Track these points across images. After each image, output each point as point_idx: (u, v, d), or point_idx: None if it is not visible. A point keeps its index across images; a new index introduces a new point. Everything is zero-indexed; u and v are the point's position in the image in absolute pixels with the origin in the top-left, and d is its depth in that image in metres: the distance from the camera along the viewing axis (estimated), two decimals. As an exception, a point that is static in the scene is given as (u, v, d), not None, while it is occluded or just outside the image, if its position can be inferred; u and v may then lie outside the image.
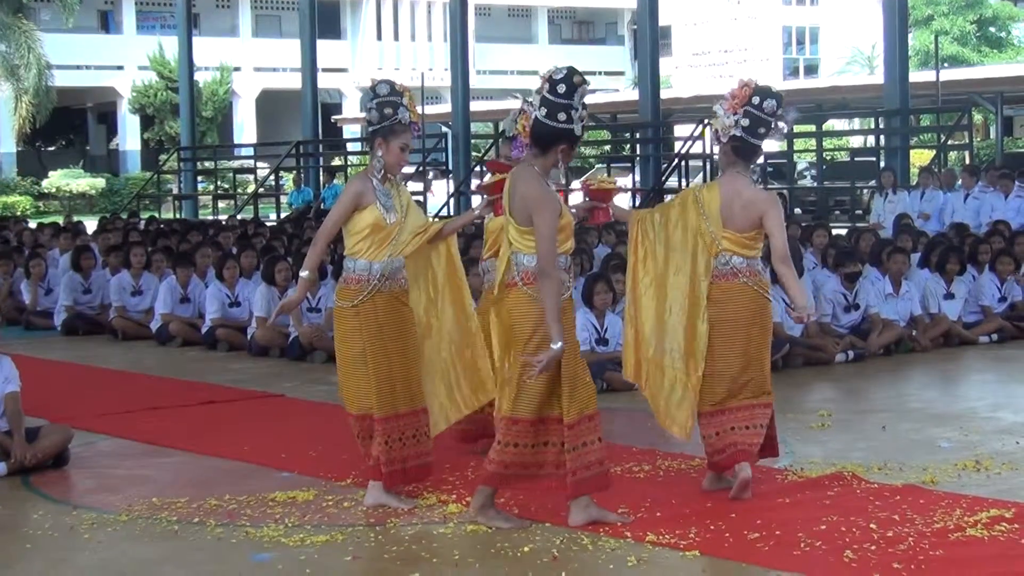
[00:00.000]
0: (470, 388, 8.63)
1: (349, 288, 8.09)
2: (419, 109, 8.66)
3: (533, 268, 7.39)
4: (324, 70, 46.74)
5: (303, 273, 8.22)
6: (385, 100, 8.07)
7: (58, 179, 55.64)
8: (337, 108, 67.34)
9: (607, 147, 40.42)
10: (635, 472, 8.72)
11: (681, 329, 8.22)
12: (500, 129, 9.32)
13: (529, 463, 7.52)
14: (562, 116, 7.48)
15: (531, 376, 7.32)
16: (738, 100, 8.20)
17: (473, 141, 36.95)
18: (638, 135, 34.78)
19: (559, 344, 7.25)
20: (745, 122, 8.17)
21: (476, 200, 25.76)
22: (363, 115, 9.08)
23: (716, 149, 8.50)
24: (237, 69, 62.44)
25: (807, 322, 8.80)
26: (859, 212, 31.13)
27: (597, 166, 44.52)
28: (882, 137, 31.52)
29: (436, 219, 8.72)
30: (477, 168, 34.63)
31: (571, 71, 7.55)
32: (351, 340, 8.11)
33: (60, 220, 29.12)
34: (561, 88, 7.49)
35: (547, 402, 7.47)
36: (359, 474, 8.45)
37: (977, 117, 49.24)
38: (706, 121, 8.13)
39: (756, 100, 8.18)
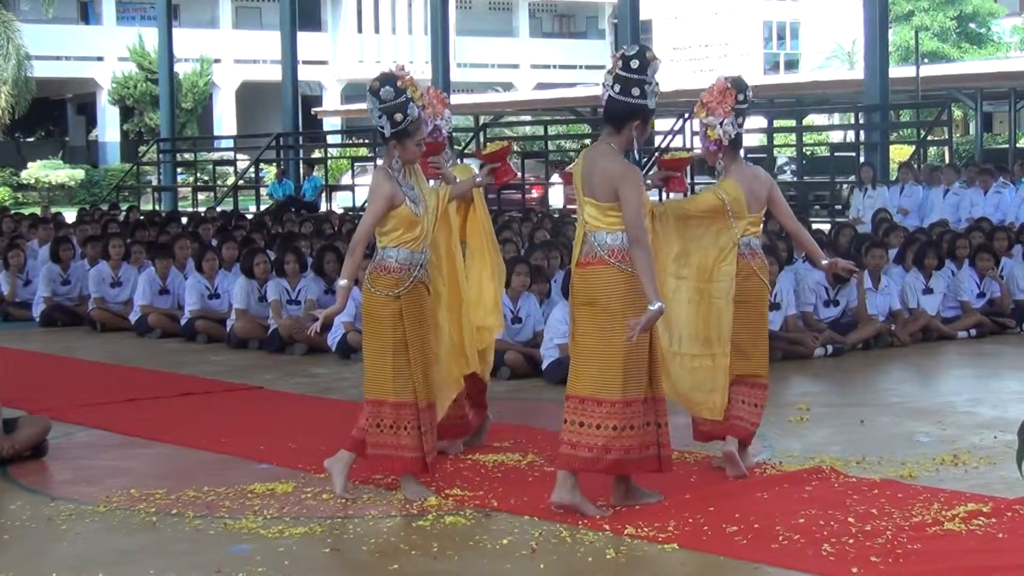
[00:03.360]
0: (463, 355, 8.77)
1: (391, 276, 8.01)
2: (424, 83, 8.64)
3: (619, 245, 7.53)
4: (304, 62, 46.68)
5: (341, 282, 8.05)
6: (393, 106, 7.97)
7: (37, 170, 55.40)
8: (317, 100, 67.23)
9: (587, 141, 40.37)
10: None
11: (701, 316, 8.51)
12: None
13: (641, 444, 7.59)
14: (636, 91, 7.60)
15: (630, 339, 7.37)
16: (729, 104, 8.55)
17: (454, 134, 36.87)
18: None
19: (658, 304, 7.40)
20: (740, 120, 8.61)
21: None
22: (361, 114, 9.00)
23: (707, 151, 8.68)
24: (217, 61, 62.28)
25: (849, 270, 9.23)
26: (839, 207, 31.15)
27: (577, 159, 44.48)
28: (862, 132, 31.55)
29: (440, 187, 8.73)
30: (459, 161, 34.56)
31: (643, 48, 7.71)
32: (394, 326, 8.00)
33: (39, 211, 29.00)
34: (634, 63, 7.61)
35: (652, 380, 7.63)
36: (387, 468, 8.25)
37: (957, 113, 49.35)
38: (705, 134, 8.45)
39: (740, 97, 8.59)
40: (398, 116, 7.98)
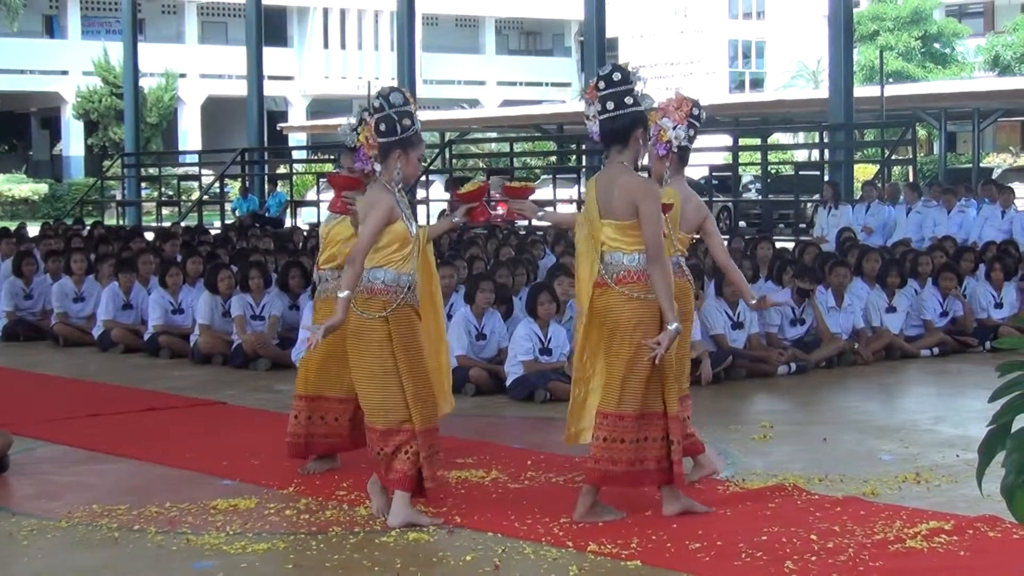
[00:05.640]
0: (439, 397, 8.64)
1: (377, 299, 7.82)
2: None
3: (636, 266, 7.63)
4: (270, 78, 46.67)
5: (342, 294, 7.78)
6: (403, 111, 7.89)
7: (0, 184, 55.23)
8: (283, 116, 67.24)
9: (553, 158, 40.45)
10: (578, 482, 8.70)
11: None
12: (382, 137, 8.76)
13: (632, 459, 7.67)
14: (628, 100, 7.71)
15: (652, 358, 7.55)
16: (683, 112, 8.66)
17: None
18: (584, 146, 34.85)
19: (675, 324, 7.56)
20: (691, 132, 8.68)
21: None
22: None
23: (653, 158, 8.70)
24: (183, 75, 62.28)
25: (766, 306, 9.30)
26: (803, 225, 31.27)
27: (543, 177, 44.61)
28: (826, 151, 31.69)
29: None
30: (422, 177, 34.61)
31: (616, 63, 7.86)
32: (382, 351, 7.82)
33: (7, 225, 28.82)
34: (616, 76, 7.75)
35: (649, 397, 7.67)
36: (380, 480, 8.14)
37: (921, 132, 49.61)
38: (658, 136, 8.61)
39: (696, 111, 8.71)
40: (407, 121, 7.90)
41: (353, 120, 8.62)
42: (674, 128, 8.59)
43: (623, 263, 7.66)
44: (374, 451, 7.88)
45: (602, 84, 7.74)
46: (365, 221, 7.87)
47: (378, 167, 8.34)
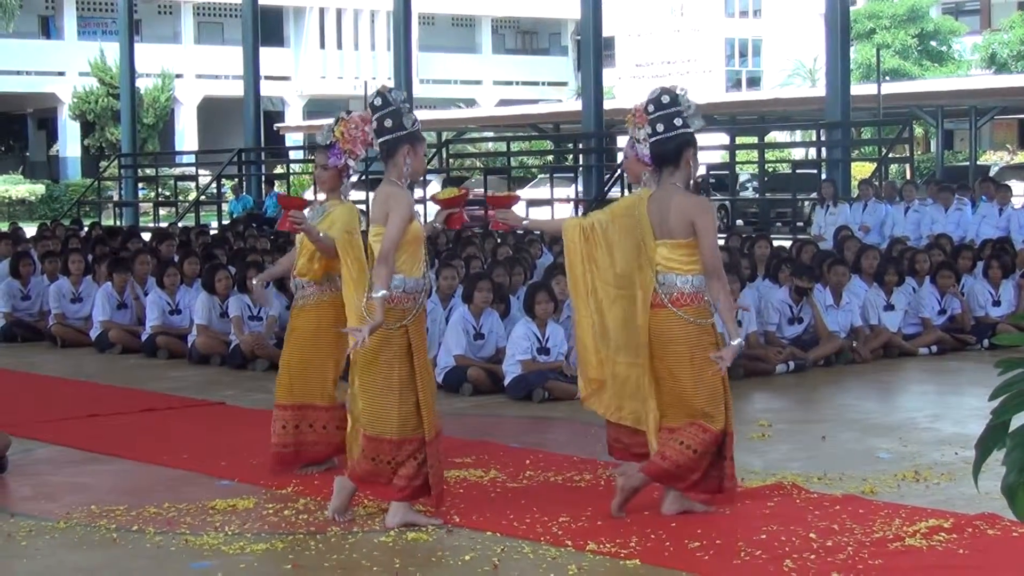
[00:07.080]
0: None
1: (397, 308, 7.65)
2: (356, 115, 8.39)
3: (690, 289, 7.71)
4: (267, 78, 46.66)
5: (379, 293, 7.51)
6: (405, 107, 7.84)
7: (-3, 185, 55.27)
8: (279, 116, 67.21)
9: (550, 157, 40.42)
10: (576, 481, 8.73)
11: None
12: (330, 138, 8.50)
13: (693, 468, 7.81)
14: (678, 122, 7.74)
15: (716, 373, 7.69)
16: (638, 115, 8.32)
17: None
18: (581, 145, 34.87)
19: (739, 340, 7.76)
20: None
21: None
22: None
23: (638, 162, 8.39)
24: (179, 76, 62.21)
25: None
26: (800, 224, 31.29)
27: (540, 176, 44.63)
28: (823, 149, 31.69)
29: None
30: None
31: (662, 87, 7.90)
32: (402, 362, 7.68)
33: (2, 226, 28.84)
34: (665, 99, 7.80)
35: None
36: (374, 495, 8.01)
37: (918, 130, 49.62)
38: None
39: (650, 108, 8.11)
40: (412, 116, 7.86)
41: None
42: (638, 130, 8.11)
43: (676, 284, 7.71)
44: (383, 460, 7.71)
45: (651, 107, 7.78)
46: (390, 218, 7.66)
47: (352, 163, 8.38)
